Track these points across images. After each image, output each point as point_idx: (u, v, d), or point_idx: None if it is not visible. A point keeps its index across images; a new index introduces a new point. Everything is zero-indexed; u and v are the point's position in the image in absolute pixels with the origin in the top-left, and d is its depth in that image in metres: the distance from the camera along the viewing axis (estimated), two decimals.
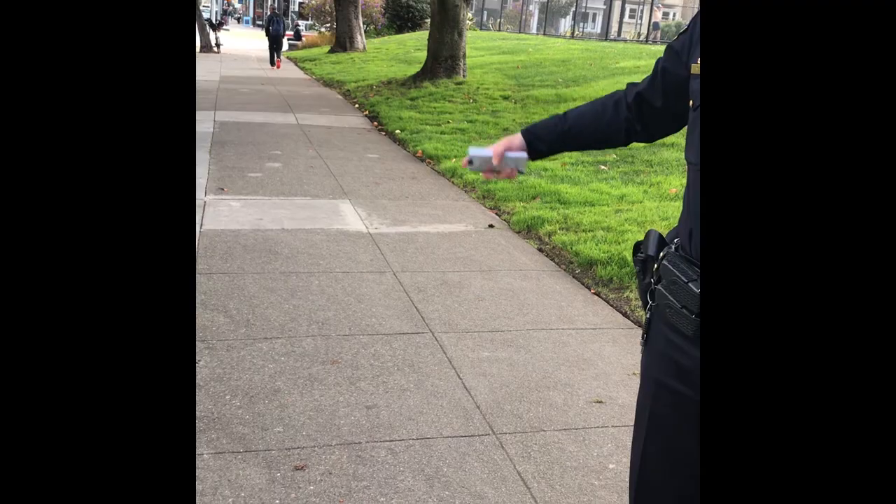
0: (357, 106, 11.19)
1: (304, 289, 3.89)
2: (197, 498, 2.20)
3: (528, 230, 5.25)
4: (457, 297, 3.95)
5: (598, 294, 4.16)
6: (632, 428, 1.53)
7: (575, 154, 7.65)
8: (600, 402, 2.95)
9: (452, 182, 6.67)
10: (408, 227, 5.20)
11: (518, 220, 5.38)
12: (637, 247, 1.51)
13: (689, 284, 1.30)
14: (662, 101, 1.51)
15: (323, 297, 3.80)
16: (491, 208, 5.87)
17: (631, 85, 1.60)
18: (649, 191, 6.15)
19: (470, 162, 1.63)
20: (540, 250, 4.90)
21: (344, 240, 4.79)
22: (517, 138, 1.65)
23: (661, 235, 1.46)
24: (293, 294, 3.81)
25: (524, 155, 1.62)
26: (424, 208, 5.71)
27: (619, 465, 2.53)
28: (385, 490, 2.31)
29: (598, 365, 3.27)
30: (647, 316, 1.45)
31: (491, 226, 5.36)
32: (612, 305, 3.99)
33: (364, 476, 2.37)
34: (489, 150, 1.62)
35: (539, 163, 7.13)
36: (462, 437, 2.63)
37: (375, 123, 9.76)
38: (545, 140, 1.64)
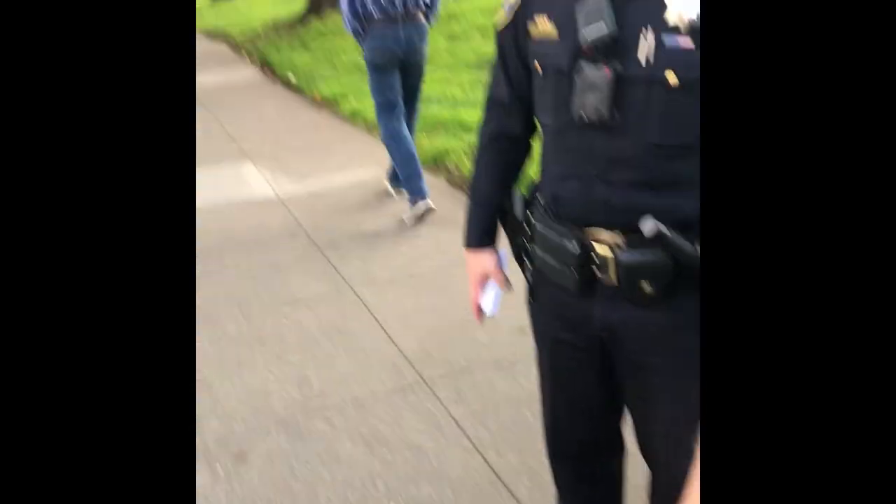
0: (247, 57, 10.77)
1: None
2: None
3: (435, 164, 5.24)
4: (374, 247, 3.96)
5: None
6: None
7: (474, 72, 7.56)
8: (522, 329, 3.05)
9: (354, 125, 6.56)
10: (315, 180, 5.13)
11: (424, 154, 5.35)
12: (501, 208, 1.51)
13: (564, 242, 1.30)
14: (513, 87, 1.42)
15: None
16: None
17: (482, 125, 1.54)
18: None
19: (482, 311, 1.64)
20: (449, 182, 4.91)
21: (251, 207, 4.70)
22: (489, 259, 1.61)
23: (524, 196, 1.47)
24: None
25: (502, 252, 1.61)
26: (331, 158, 5.63)
27: None
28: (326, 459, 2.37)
29: (518, 292, 3.34)
30: (529, 279, 1.47)
31: None
32: None
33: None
34: (494, 290, 1.64)
35: (437, 88, 7.01)
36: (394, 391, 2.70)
37: (269, 73, 9.44)
38: (494, 231, 1.60)
